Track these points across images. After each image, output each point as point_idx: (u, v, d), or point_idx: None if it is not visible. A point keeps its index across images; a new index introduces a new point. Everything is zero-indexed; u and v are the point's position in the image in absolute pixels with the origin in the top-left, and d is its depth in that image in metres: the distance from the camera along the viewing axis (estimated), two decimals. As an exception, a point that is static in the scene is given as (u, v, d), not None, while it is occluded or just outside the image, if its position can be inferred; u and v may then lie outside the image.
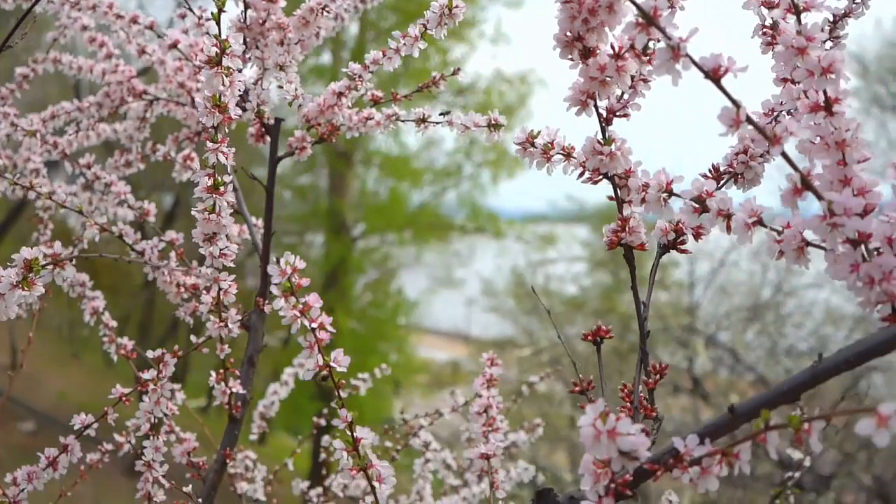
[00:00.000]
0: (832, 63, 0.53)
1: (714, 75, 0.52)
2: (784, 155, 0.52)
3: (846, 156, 0.54)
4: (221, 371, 0.98)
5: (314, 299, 0.64)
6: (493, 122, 0.85)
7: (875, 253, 0.53)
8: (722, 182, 0.71)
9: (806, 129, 0.54)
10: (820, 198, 0.52)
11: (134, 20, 1.12)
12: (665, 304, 8.54)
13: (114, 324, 1.12)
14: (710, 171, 0.71)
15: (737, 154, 0.70)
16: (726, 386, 6.90)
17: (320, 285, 11.59)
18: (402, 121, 1.00)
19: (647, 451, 0.52)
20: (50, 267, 0.67)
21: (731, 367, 6.31)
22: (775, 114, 0.70)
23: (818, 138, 0.55)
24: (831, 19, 0.73)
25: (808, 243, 0.56)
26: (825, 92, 0.55)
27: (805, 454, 1.19)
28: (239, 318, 0.93)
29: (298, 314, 0.63)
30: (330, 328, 0.64)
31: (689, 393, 6.29)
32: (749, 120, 0.51)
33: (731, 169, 0.70)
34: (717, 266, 7.19)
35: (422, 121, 0.98)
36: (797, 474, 1.16)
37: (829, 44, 0.73)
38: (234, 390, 0.99)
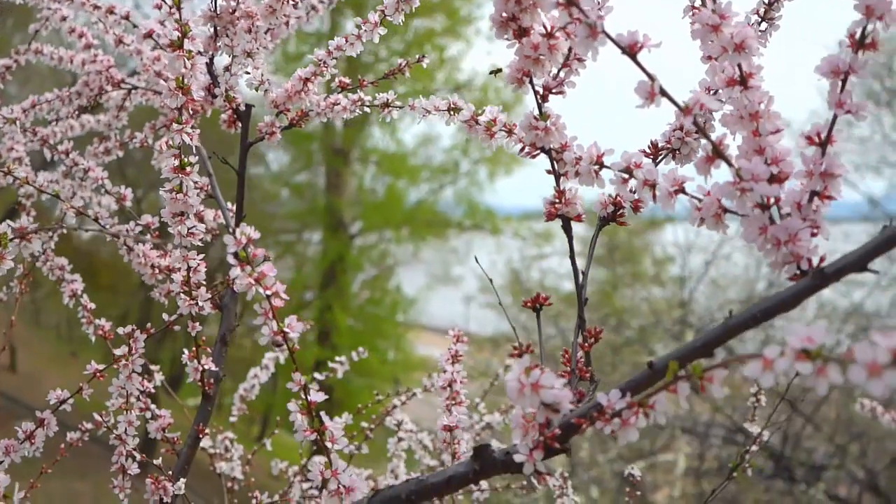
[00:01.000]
0: (745, 39, 0.57)
1: (630, 51, 0.55)
2: (696, 125, 0.56)
3: (760, 127, 0.58)
4: (194, 349, 1.02)
5: (268, 268, 0.67)
6: (452, 106, 0.88)
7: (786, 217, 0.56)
8: (660, 157, 0.74)
9: (714, 101, 0.57)
10: (731, 165, 0.56)
11: (110, 10, 1.15)
12: (660, 299, 8.58)
13: (92, 306, 1.15)
14: (648, 146, 0.74)
15: (674, 130, 0.73)
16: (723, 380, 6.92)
17: (318, 283, 11.63)
18: (368, 106, 1.03)
19: (570, 404, 0.56)
20: (17, 240, 0.70)
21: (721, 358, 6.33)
22: (711, 92, 0.74)
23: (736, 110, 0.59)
24: (766, 1, 0.76)
25: (726, 210, 0.59)
26: (740, 66, 0.58)
27: (762, 428, 1.23)
28: (209, 296, 0.96)
29: (254, 282, 0.67)
30: (284, 296, 0.68)
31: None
32: (662, 92, 0.55)
33: (668, 145, 0.73)
34: (709, 259, 7.23)
35: (385, 105, 1.02)
36: (754, 447, 1.20)
37: (763, 24, 0.77)
38: (206, 367, 1.02)
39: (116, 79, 1.25)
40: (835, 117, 0.57)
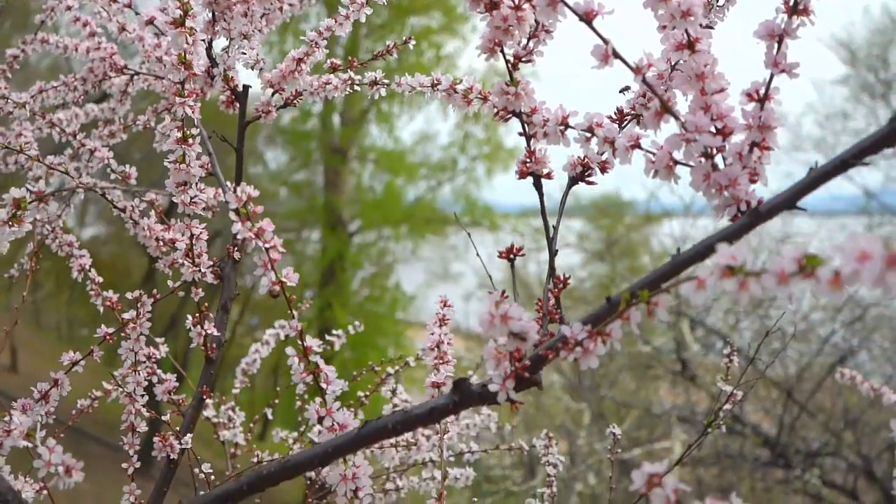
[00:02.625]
0: (690, 7, 0.63)
1: (587, 17, 0.62)
2: (646, 82, 0.62)
3: (706, 86, 0.64)
4: (197, 315, 1.08)
5: (267, 224, 0.74)
6: (435, 82, 0.94)
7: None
8: (626, 122, 0.80)
9: (662, 62, 0.64)
10: (677, 119, 0.62)
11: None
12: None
13: (100, 279, 1.22)
14: (614, 112, 0.81)
15: (637, 98, 0.80)
16: (717, 370, 7.02)
17: (317, 281, 11.69)
18: (358, 84, 1.10)
19: (536, 334, 0.62)
20: (35, 203, 0.77)
21: (719, 350, 6.42)
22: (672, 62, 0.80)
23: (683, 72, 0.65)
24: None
25: (676, 162, 0.66)
26: (687, 32, 0.64)
27: (734, 387, 1.29)
28: (210, 263, 1.03)
29: (253, 236, 0.73)
30: (281, 249, 0.74)
31: (678, 375, 6.40)
32: (615, 54, 0.61)
33: (632, 111, 0.80)
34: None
35: (374, 83, 1.08)
36: (728, 406, 1.26)
37: (722, 1, 0.83)
38: (209, 332, 1.09)
39: (120, 65, 1.31)
40: (771, 76, 0.63)
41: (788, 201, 0.58)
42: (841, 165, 0.56)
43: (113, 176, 1.18)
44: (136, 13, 1.20)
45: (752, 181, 0.62)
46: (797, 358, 7.23)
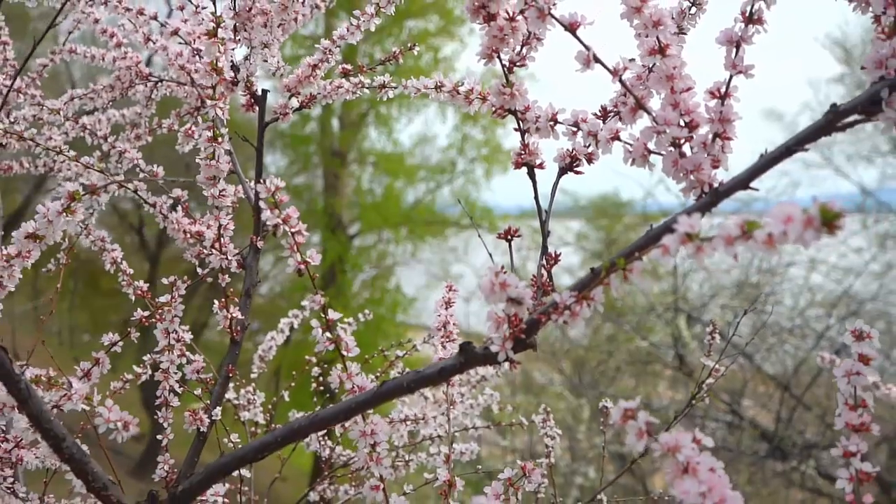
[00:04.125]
0: (660, 18, 0.74)
1: (572, 28, 0.72)
2: (622, 83, 0.73)
3: (675, 86, 0.75)
4: (223, 299, 1.18)
5: (293, 211, 0.84)
6: (438, 84, 1.05)
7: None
8: (609, 118, 0.91)
9: (638, 66, 0.74)
10: (649, 114, 0.73)
11: (140, 12, 1.32)
12: (656, 292, 8.76)
13: (131, 271, 1.32)
14: (599, 110, 0.91)
15: (618, 97, 0.90)
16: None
17: (318, 284, 11.78)
18: (368, 87, 1.20)
19: (530, 300, 0.72)
20: (88, 195, 0.87)
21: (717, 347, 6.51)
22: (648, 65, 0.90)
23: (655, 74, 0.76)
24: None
25: (650, 151, 0.76)
26: (658, 39, 0.75)
27: (715, 362, 1.39)
28: (237, 251, 1.13)
29: (281, 221, 0.83)
30: (305, 233, 0.84)
31: (676, 371, 6.50)
32: (596, 59, 0.72)
33: (614, 108, 0.90)
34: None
35: (382, 86, 1.19)
36: (710, 381, 1.36)
37: (693, 9, 0.94)
38: (234, 316, 1.19)
39: (144, 73, 1.42)
40: (730, 76, 0.73)
41: (743, 182, 0.68)
42: (786, 151, 0.67)
43: (141, 175, 1.28)
44: (162, 25, 1.31)
45: (715, 167, 0.72)
46: (793, 353, 7.33)
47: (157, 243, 10.89)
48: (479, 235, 1.18)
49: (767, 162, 0.67)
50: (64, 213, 0.88)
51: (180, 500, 0.82)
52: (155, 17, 1.33)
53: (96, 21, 1.43)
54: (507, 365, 0.77)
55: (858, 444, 0.75)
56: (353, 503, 1.59)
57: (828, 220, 0.49)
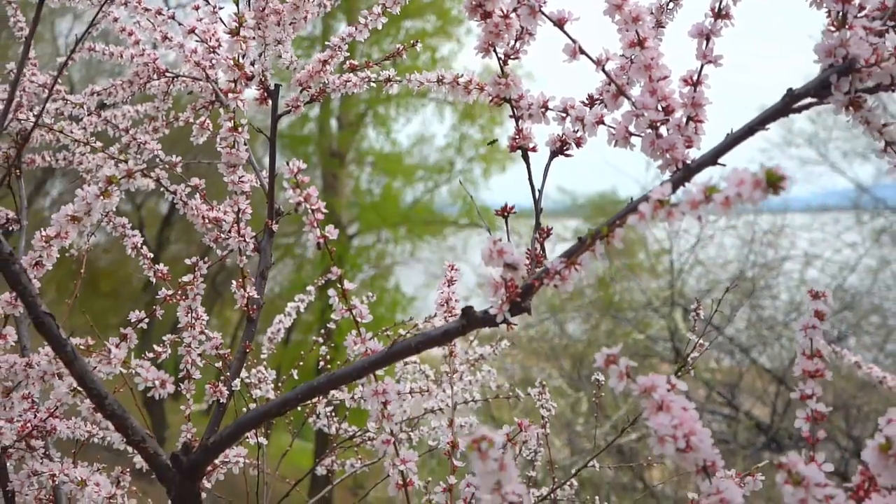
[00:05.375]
0: (639, 14, 0.83)
1: (560, 23, 0.81)
2: (605, 72, 0.82)
3: (652, 75, 0.84)
4: (241, 279, 1.27)
5: (313, 190, 0.93)
6: (440, 77, 1.14)
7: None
8: (595, 105, 0.99)
9: (622, 57, 0.83)
10: (629, 99, 0.82)
11: (158, 12, 1.40)
12: (655, 289, 8.87)
13: (151, 255, 1.41)
14: (586, 97, 1.00)
15: (603, 85, 0.99)
16: (711, 360, 7.23)
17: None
18: (374, 82, 1.29)
19: (525, 266, 0.81)
20: (125, 179, 0.96)
21: (714, 340, 6.62)
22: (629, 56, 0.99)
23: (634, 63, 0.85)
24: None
25: (631, 133, 0.85)
26: (637, 33, 0.84)
27: (698, 335, 1.48)
28: (254, 234, 1.22)
29: (303, 200, 0.92)
30: (324, 210, 0.93)
31: (673, 364, 6.60)
32: (581, 51, 0.81)
33: (600, 96, 0.99)
34: (695, 241, 7.52)
35: (388, 80, 1.28)
36: (694, 354, 1.45)
37: (671, 4, 1.03)
38: (250, 295, 1.28)
39: (161, 69, 1.50)
40: (701, 66, 0.82)
41: (711, 159, 0.78)
42: (749, 131, 0.76)
43: (161, 165, 1.37)
44: (180, 24, 1.40)
45: (688, 146, 0.81)
46: (789, 347, 7.43)
47: (156, 244, 10.97)
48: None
49: (732, 141, 0.77)
50: (101, 196, 0.97)
51: (211, 450, 0.91)
52: (172, 17, 1.41)
53: (116, 20, 1.52)
54: (503, 327, 0.86)
55: (814, 388, 0.83)
56: (360, 476, 1.67)
57: (772, 182, 0.58)
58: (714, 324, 6.96)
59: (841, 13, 0.74)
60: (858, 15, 0.76)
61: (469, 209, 12.20)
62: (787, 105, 0.75)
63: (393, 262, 12.72)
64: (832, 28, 0.75)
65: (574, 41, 0.81)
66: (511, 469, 0.64)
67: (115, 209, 1.48)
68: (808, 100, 0.75)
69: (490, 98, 0.93)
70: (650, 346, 6.95)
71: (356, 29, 1.24)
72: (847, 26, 0.74)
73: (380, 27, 1.22)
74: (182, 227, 10.83)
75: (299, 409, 1.73)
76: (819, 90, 0.74)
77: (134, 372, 0.91)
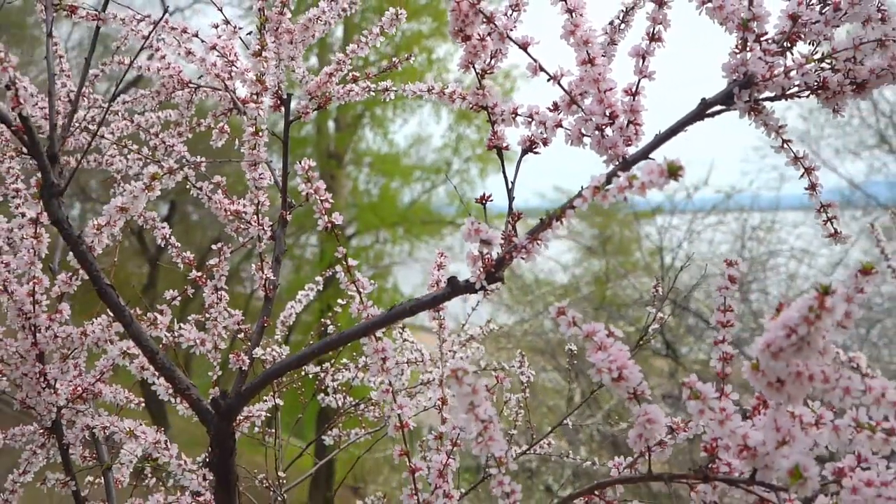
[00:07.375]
0: (588, 38, 1.02)
1: (524, 46, 1.01)
2: (560, 85, 1.01)
3: (599, 87, 1.03)
4: (259, 263, 1.47)
5: (322, 184, 1.13)
6: (430, 88, 1.33)
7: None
8: (557, 111, 1.19)
9: (575, 73, 1.03)
10: (579, 107, 1.02)
11: (184, 30, 1.60)
12: (648, 286, 9.07)
13: (178, 245, 1.60)
14: (551, 104, 1.19)
15: (563, 96, 1.19)
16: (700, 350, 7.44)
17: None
18: (374, 91, 1.49)
19: (498, 242, 1.01)
20: (167, 175, 1.15)
21: (700, 334, 6.82)
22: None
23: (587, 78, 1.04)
24: (624, 10, 1.22)
25: (583, 134, 1.05)
26: (587, 52, 1.04)
27: (658, 312, 1.68)
28: (271, 222, 1.41)
29: (313, 192, 1.12)
30: (330, 200, 1.13)
31: (664, 356, 6.80)
32: (541, 68, 1.00)
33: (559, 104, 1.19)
34: (684, 236, 7.72)
35: (386, 90, 1.47)
36: (656, 326, 1.65)
37: (622, 25, 1.23)
38: (268, 277, 1.48)
39: (185, 80, 1.70)
40: (639, 80, 1.02)
41: (643, 155, 0.97)
42: (670, 133, 0.96)
43: (188, 165, 1.57)
44: (202, 41, 1.59)
45: (628, 144, 1.01)
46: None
47: (156, 247, 11.16)
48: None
49: (657, 141, 0.96)
50: (146, 190, 1.17)
51: (244, 396, 1.11)
52: (196, 35, 1.61)
53: (145, 38, 1.71)
54: (481, 294, 1.06)
55: (725, 335, 1.03)
56: (363, 445, 1.87)
57: (673, 171, 0.77)
58: (704, 317, 7.17)
59: (742, 38, 0.94)
60: (762, 38, 0.96)
61: (466, 208, 12.30)
62: (702, 111, 0.95)
63: (391, 263, 12.90)
64: (736, 51, 0.95)
65: (535, 61, 1.01)
66: (482, 392, 0.84)
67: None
68: (718, 107, 0.95)
69: (470, 105, 1.13)
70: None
71: (358, 46, 1.44)
72: (748, 49, 0.94)
73: (378, 45, 1.42)
74: (182, 228, 11.03)
75: (310, 378, 1.92)
76: (725, 99, 0.94)
77: (177, 334, 1.11)
